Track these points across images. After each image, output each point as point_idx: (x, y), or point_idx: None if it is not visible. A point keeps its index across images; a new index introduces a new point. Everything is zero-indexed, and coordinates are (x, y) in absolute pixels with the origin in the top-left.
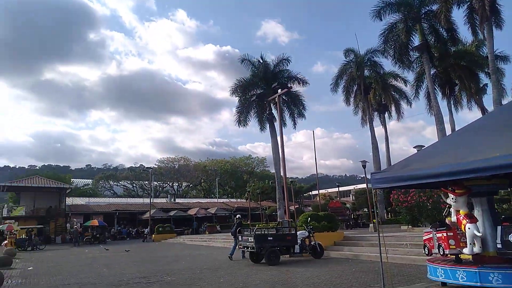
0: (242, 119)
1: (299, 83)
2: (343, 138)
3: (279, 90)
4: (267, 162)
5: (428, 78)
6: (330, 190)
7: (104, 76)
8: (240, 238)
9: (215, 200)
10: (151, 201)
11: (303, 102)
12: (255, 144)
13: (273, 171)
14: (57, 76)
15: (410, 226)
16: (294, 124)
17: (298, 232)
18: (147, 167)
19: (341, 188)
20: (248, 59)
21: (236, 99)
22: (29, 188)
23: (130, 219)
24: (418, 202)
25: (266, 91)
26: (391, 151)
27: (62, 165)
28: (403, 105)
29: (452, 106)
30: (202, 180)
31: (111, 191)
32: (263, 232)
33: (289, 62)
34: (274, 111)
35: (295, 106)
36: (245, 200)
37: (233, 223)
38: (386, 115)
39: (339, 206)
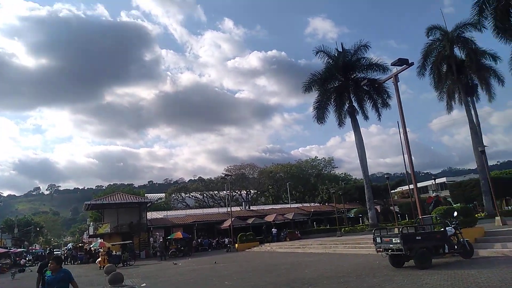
0: (320, 116)
1: (380, 70)
2: (402, 134)
3: (395, 69)
4: (335, 163)
5: None
6: (404, 188)
7: (159, 94)
8: (378, 240)
9: (288, 205)
10: (231, 209)
11: (388, 91)
12: (307, 148)
13: (341, 172)
14: (116, 99)
15: None
16: (379, 115)
17: None
18: (225, 175)
19: (411, 186)
20: (323, 50)
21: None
22: (112, 205)
23: (208, 230)
24: None
25: (345, 83)
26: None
27: (126, 183)
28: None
29: None
30: (269, 186)
31: (184, 203)
32: (411, 231)
33: (367, 49)
34: (355, 103)
35: (378, 96)
36: (319, 204)
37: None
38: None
39: (439, 201)
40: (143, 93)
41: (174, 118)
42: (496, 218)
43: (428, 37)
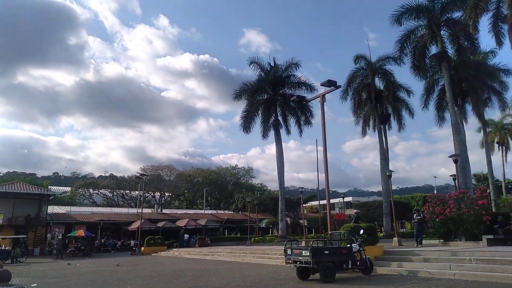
0: (246, 125)
1: (307, 89)
2: (319, 152)
3: (324, 89)
4: (253, 173)
5: (447, 87)
6: (313, 203)
7: (79, 82)
8: (289, 252)
9: (202, 211)
10: (142, 211)
11: (311, 109)
12: (228, 155)
13: (257, 182)
14: (30, 80)
15: (442, 241)
16: (300, 132)
17: None
18: (140, 174)
19: (322, 201)
20: (256, 62)
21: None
22: (8, 194)
23: (114, 230)
24: (458, 214)
25: (273, 97)
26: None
27: (28, 172)
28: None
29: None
30: (185, 190)
31: (91, 200)
32: (320, 245)
33: (298, 67)
34: (280, 118)
35: (302, 113)
36: (233, 212)
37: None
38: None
39: (344, 218)
40: (62, 78)
41: (92, 109)
42: (394, 238)
43: (355, 64)
